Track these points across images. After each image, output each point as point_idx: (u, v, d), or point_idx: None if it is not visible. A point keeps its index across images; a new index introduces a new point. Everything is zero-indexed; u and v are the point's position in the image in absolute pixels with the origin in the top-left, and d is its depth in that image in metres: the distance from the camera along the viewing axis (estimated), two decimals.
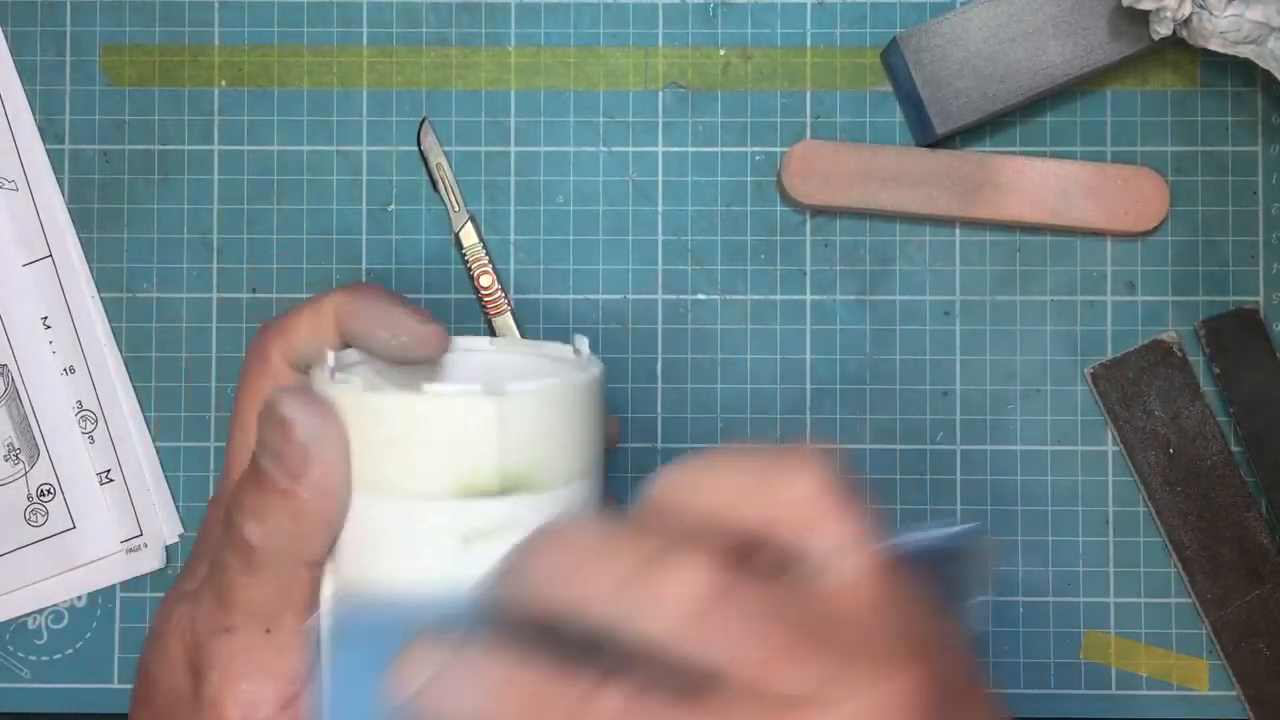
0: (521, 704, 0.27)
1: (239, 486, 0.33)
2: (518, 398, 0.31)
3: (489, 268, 0.52)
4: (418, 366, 0.36)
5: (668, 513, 0.29)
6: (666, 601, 0.27)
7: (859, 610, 0.28)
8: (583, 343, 0.36)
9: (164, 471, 0.52)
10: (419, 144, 0.52)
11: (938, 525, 0.33)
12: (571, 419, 0.32)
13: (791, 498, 0.29)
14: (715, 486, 0.29)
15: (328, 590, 0.33)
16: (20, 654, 0.52)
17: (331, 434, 0.31)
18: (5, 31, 0.53)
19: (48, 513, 0.52)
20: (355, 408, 0.32)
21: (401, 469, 0.31)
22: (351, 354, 0.36)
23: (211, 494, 0.51)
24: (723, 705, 0.27)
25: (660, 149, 0.53)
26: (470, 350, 0.37)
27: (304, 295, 0.52)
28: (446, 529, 0.31)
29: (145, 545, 0.52)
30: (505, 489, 0.31)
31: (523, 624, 0.29)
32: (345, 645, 0.31)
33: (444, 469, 0.31)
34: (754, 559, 0.28)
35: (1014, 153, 0.52)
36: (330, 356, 0.34)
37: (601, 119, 0.53)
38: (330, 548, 0.32)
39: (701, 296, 0.53)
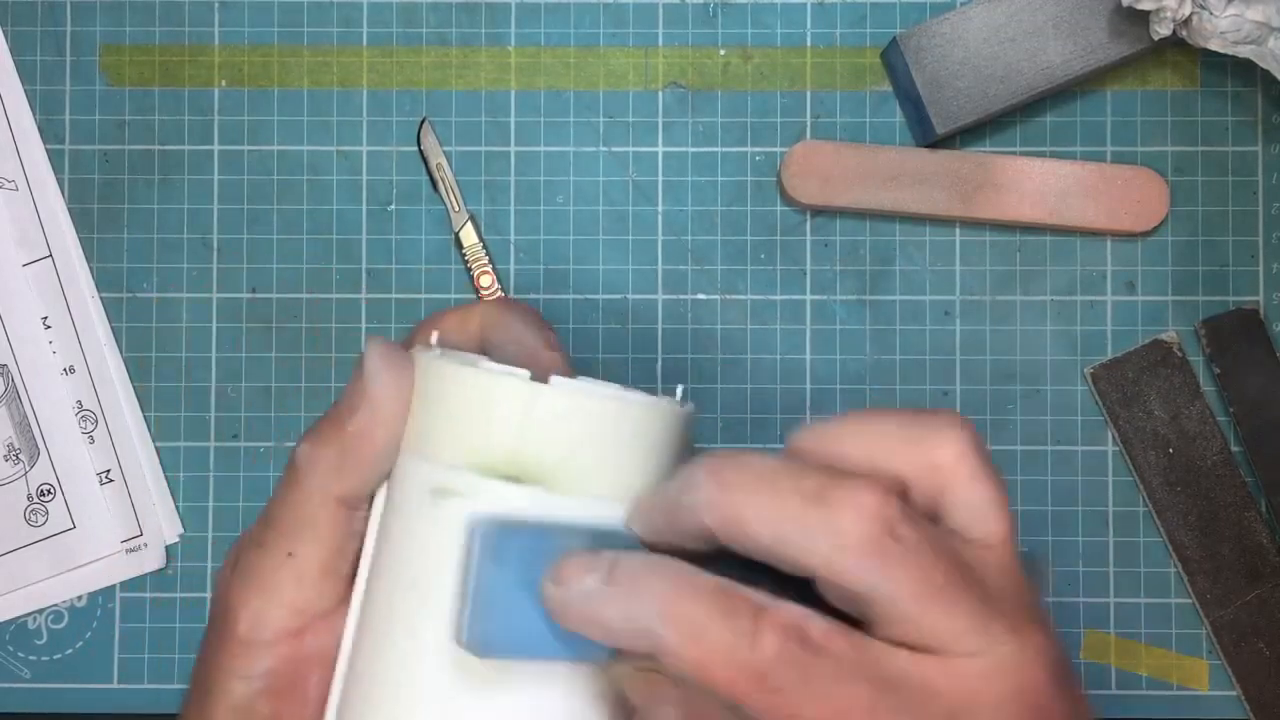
0: (692, 615, 0.28)
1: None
2: (553, 391, 0.31)
3: (489, 268, 0.52)
4: None
5: (819, 458, 0.30)
6: (840, 527, 0.28)
7: (996, 570, 0.29)
8: (677, 390, 0.36)
9: (164, 471, 0.52)
10: (419, 144, 0.52)
11: None
12: (613, 436, 0.32)
13: (939, 456, 0.29)
14: (865, 439, 0.30)
15: (369, 543, 0.33)
16: (20, 654, 0.52)
17: (392, 381, 0.32)
18: (5, 31, 0.53)
19: (48, 513, 0.52)
20: (423, 373, 0.33)
21: (435, 434, 0.32)
22: (478, 356, 0.36)
23: None
24: (880, 638, 0.28)
25: (660, 149, 0.53)
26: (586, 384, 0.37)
27: (304, 295, 0.52)
28: (458, 504, 0.31)
29: (145, 545, 0.52)
30: (517, 476, 0.31)
31: (679, 545, 0.30)
32: (496, 561, 0.30)
33: (465, 440, 0.31)
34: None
35: (1014, 153, 0.52)
36: (434, 334, 0.35)
37: (601, 119, 0.53)
38: (366, 493, 0.33)
39: (701, 296, 0.53)
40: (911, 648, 0.28)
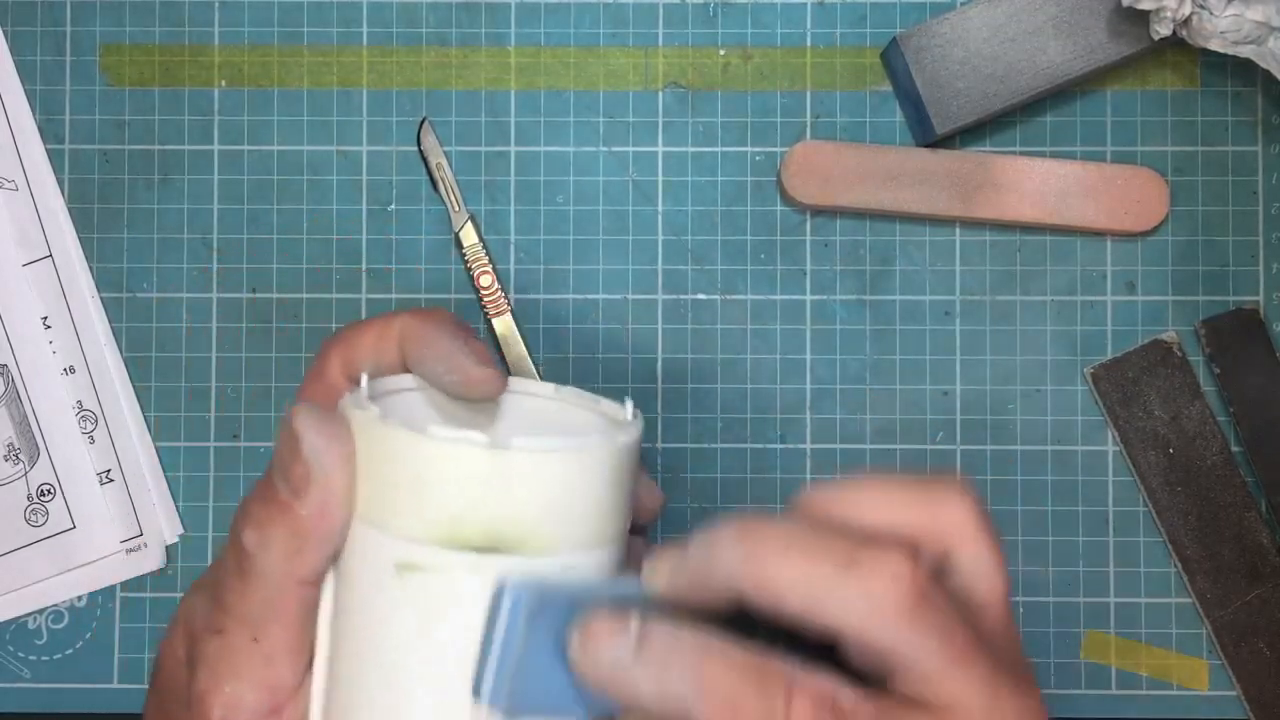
0: (727, 689, 0.28)
1: (252, 491, 0.33)
2: (520, 455, 0.29)
3: (489, 268, 0.52)
4: (472, 404, 0.35)
5: (836, 520, 0.30)
6: (873, 591, 0.28)
7: (997, 627, 0.31)
8: (630, 406, 0.34)
9: (164, 471, 0.52)
10: (419, 144, 0.52)
11: None
12: (584, 487, 0.31)
13: (947, 518, 0.30)
14: (878, 502, 0.31)
15: (325, 611, 0.32)
16: (20, 654, 0.52)
17: (337, 455, 0.31)
18: (5, 31, 0.53)
19: (48, 513, 0.52)
20: (365, 436, 0.31)
21: (392, 506, 0.30)
22: (407, 379, 0.34)
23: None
24: (898, 693, 0.29)
25: (660, 149, 0.53)
26: (530, 394, 0.36)
27: (304, 295, 0.52)
28: (431, 579, 0.30)
29: (145, 545, 0.52)
30: (491, 547, 0.30)
31: (703, 610, 0.30)
32: (522, 621, 0.29)
33: (430, 515, 0.30)
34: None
35: (1014, 153, 0.52)
36: (364, 379, 0.33)
37: (601, 119, 0.53)
38: (325, 568, 0.32)
39: (701, 296, 0.53)
40: (928, 706, 0.29)
